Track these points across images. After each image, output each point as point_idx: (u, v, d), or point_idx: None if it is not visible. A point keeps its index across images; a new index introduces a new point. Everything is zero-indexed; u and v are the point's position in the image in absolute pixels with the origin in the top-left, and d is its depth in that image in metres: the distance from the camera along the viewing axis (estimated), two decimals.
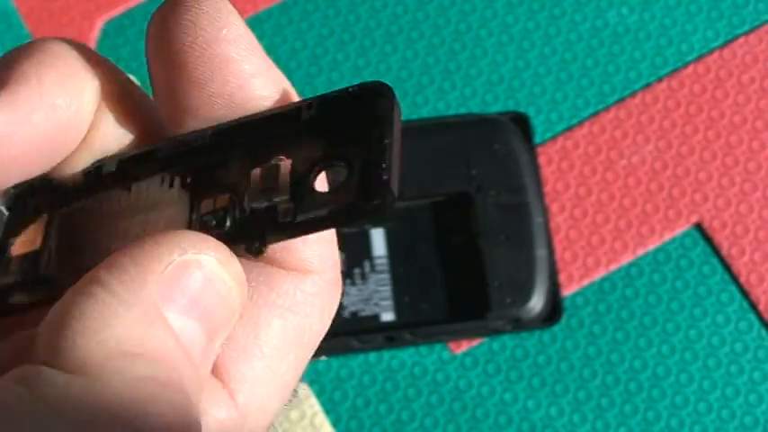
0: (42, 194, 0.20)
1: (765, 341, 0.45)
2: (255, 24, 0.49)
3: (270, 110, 0.20)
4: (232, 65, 0.19)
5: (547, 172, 0.47)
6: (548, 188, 0.47)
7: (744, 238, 0.46)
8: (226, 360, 0.19)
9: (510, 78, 0.48)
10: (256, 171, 0.19)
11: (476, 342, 0.45)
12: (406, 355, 0.45)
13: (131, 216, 0.20)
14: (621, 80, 0.48)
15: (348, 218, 0.18)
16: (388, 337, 0.44)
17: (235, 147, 0.19)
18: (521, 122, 0.47)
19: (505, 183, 0.45)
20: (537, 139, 0.47)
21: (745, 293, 0.45)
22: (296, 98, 0.20)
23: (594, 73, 0.48)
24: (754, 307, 0.45)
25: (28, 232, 0.20)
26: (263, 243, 0.19)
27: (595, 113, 0.48)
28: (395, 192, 0.18)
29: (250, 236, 0.19)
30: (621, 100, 0.48)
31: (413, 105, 0.48)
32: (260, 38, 0.48)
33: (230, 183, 0.19)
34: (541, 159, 0.47)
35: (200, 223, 0.19)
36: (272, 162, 0.19)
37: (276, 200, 0.19)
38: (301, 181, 0.19)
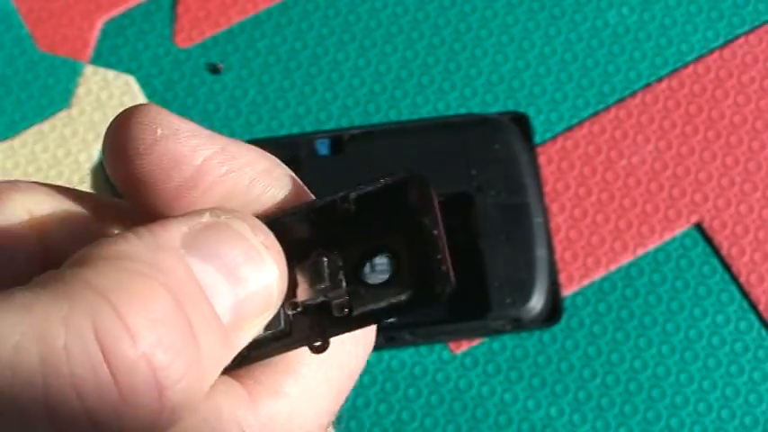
0: None
1: (765, 341, 0.45)
2: (255, 24, 0.49)
3: (303, 205, 0.19)
4: (181, 157, 0.19)
5: (547, 172, 0.47)
6: (548, 188, 0.47)
7: (744, 238, 0.46)
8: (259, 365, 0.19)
9: (510, 78, 0.48)
10: (303, 267, 0.19)
11: (476, 342, 0.45)
12: (406, 355, 0.45)
13: None
14: (621, 80, 0.48)
15: (410, 309, 0.19)
16: (388, 337, 0.44)
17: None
18: (521, 122, 0.47)
19: (505, 183, 0.45)
20: (537, 139, 0.47)
21: (745, 293, 0.45)
22: (242, 150, 0.19)
23: (594, 73, 0.48)
24: (754, 307, 0.45)
25: None
26: (326, 340, 0.19)
27: (595, 113, 0.48)
28: (453, 281, 0.19)
29: (309, 334, 0.19)
30: (621, 100, 0.48)
31: (413, 105, 0.48)
32: (260, 38, 0.49)
33: None
34: (541, 159, 0.47)
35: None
36: (315, 258, 0.19)
37: (331, 295, 0.19)
38: (351, 275, 0.19)
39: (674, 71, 0.48)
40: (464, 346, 0.45)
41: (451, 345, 0.45)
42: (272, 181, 0.19)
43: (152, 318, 0.16)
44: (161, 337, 0.16)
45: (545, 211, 0.46)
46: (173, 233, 0.17)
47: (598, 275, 0.46)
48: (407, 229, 0.19)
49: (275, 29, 0.49)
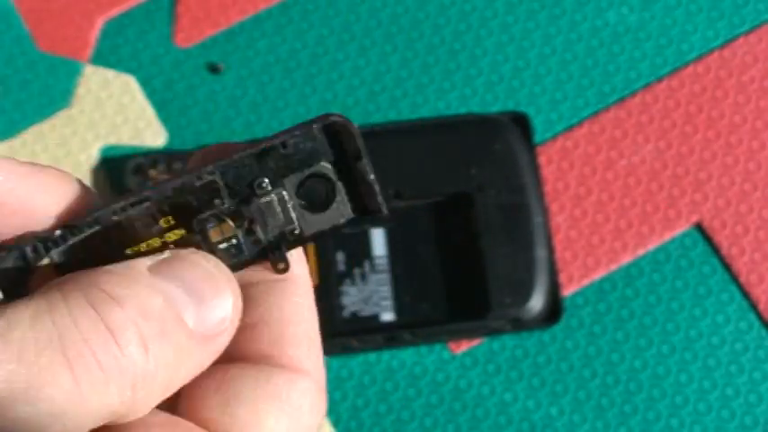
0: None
1: (765, 341, 0.45)
2: (255, 24, 0.49)
3: (248, 150, 0.23)
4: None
5: (547, 172, 0.47)
6: (548, 188, 0.47)
7: (744, 238, 0.46)
8: None
9: (510, 78, 0.48)
10: (256, 206, 0.23)
11: (476, 342, 0.45)
12: (406, 355, 0.45)
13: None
14: (621, 80, 0.48)
15: (349, 226, 0.23)
16: (388, 337, 0.44)
17: (219, 188, 0.22)
18: (521, 122, 0.47)
19: (505, 183, 0.45)
20: (537, 139, 0.47)
21: (745, 293, 0.45)
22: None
23: (594, 73, 0.48)
24: (754, 307, 0.45)
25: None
26: (286, 259, 0.23)
27: (595, 113, 0.48)
28: (384, 207, 0.23)
29: (272, 259, 0.23)
30: (621, 100, 0.48)
31: (413, 105, 0.48)
32: (260, 38, 0.49)
33: (230, 214, 0.23)
34: (541, 159, 0.47)
35: (216, 251, 0.22)
36: (264, 198, 0.23)
37: (286, 228, 0.23)
38: (296, 206, 0.23)
39: (674, 71, 0.48)
40: (464, 346, 0.45)
41: (451, 345, 0.45)
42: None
43: (133, 303, 0.19)
44: (142, 309, 0.19)
45: (545, 211, 0.46)
46: (140, 264, 0.20)
47: (598, 275, 0.46)
48: (340, 161, 0.23)
49: (275, 29, 0.49)
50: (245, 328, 0.22)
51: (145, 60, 0.49)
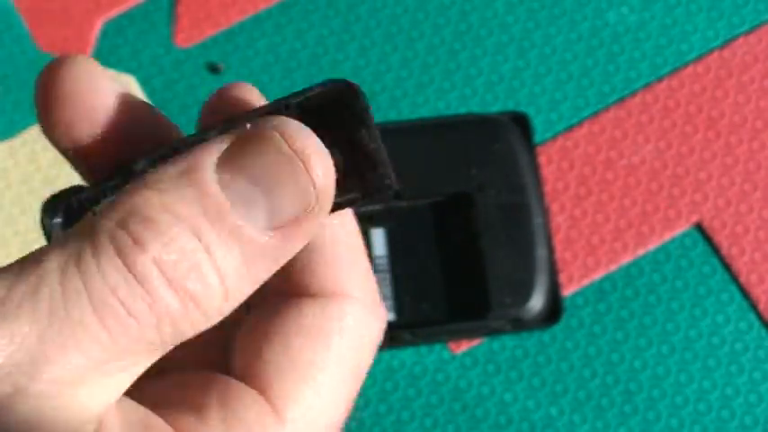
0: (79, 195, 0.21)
1: (765, 341, 0.45)
2: (255, 24, 0.49)
3: (251, 112, 0.21)
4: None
5: (547, 172, 0.47)
6: (548, 188, 0.47)
7: (744, 238, 0.46)
8: (279, 377, 0.21)
9: (510, 78, 0.48)
10: None
11: (476, 342, 0.45)
12: (406, 355, 0.45)
13: None
14: (621, 80, 0.48)
15: (360, 204, 0.21)
16: (388, 337, 0.44)
17: None
18: (521, 122, 0.47)
19: (505, 183, 0.45)
20: (537, 139, 0.47)
21: (745, 293, 0.45)
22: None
23: (594, 73, 0.48)
24: (754, 307, 0.45)
25: None
26: None
27: (595, 113, 0.48)
28: (395, 185, 0.21)
29: None
30: (621, 100, 0.48)
31: (413, 105, 0.48)
32: (260, 38, 0.49)
33: None
34: (541, 159, 0.47)
35: None
36: None
37: None
38: None
39: (674, 71, 0.48)
40: (464, 346, 0.45)
41: (451, 345, 0.45)
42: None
43: (160, 232, 0.19)
44: (167, 245, 0.18)
45: (545, 211, 0.46)
46: (207, 153, 0.19)
47: (598, 275, 0.46)
48: (350, 133, 0.21)
49: (275, 29, 0.49)
50: (294, 262, 0.21)
51: (145, 60, 0.49)
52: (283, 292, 0.22)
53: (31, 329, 0.17)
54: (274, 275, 0.20)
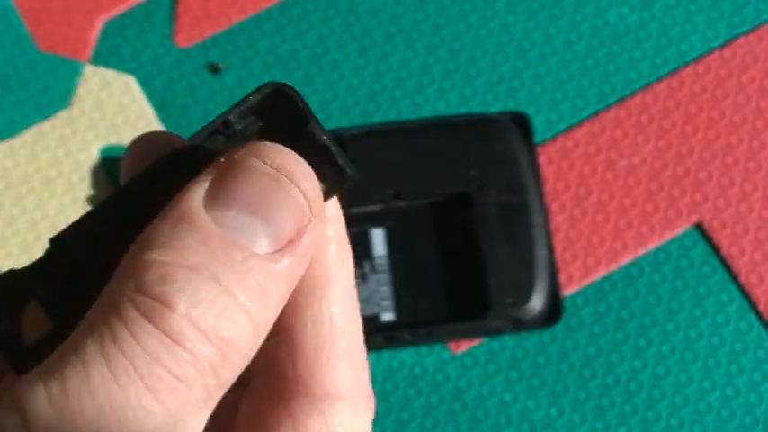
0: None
1: (765, 341, 0.45)
2: (255, 24, 0.49)
3: (194, 137, 0.22)
4: None
5: (547, 172, 0.47)
6: (548, 188, 0.47)
7: (744, 238, 0.46)
8: None
9: (510, 78, 0.48)
10: None
11: (476, 342, 0.45)
12: (406, 355, 0.45)
13: None
14: (621, 80, 0.48)
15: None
16: (388, 337, 0.44)
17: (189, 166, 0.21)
18: (521, 122, 0.47)
19: (505, 183, 0.45)
20: (537, 139, 0.47)
21: (745, 293, 0.45)
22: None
23: (594, 73, 0.48)
24: (754, 307, 0.45)
25: None
26: None
27: (595, 113, 0.48)
28: (351, 173, 0.21)
29: None
30: (621, 100, 0.48)
31: (413, 105, 0.48)
32: (260, 38, 0.49)
33: None
34: (541, 159, 0.47)
35: None
36: None
37: None
38: None
39: (674, 71, 0.48)
40: (464, 346, 0.45)
41: (451, 345, 0.45)
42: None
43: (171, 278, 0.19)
44: (192, 297, 0.18)
45: (545, 211, 0.46)
46: (192, 196, 0.19)
47: (598, 275, 0.46)
48: (299, 132, 0.21)
49: (275, 29, 0.49)
50: (280, 344, 0.22)
51: (145, 60, 0.49)
52: (273, 385, 0.22)
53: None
54: (268, 373, 0.21)
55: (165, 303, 0.18)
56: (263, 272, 0.19)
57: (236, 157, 0.20)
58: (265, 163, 0.20)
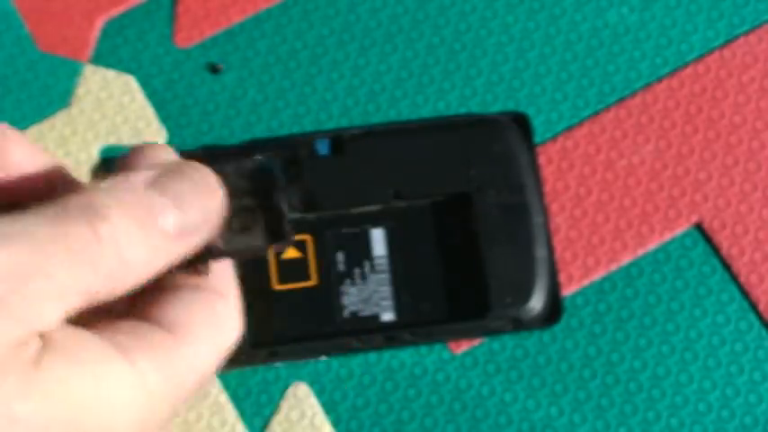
0: None
1: (765, 341, 0.45)
2: (255, 24, 0.49)
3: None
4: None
5: (547, 172, 0.47)
6: (548, 188, 0.47)
7: (744, 238, 0.46)
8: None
9: (510, 78, 0.48)
10: None
11: (476, 342, 0.45)
12: (406, 355, 0.45)
13: None
14: (621, 80, 0.48)
15: (258, 253, 0.30)
16: (388, 337, 0.44)
17: None
18: (521, 122, 0.47)
19: (505, 183, 0.45)
20: (537, 139, 0.47)
21: (745, 293, 0.45)
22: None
23: (594, 73, 0.48)
24: (754, 307, 0.45)
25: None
26: (205, 263, 0.30)
27: (595, 113, 0.48)
28: (291, 238, 0.30)
29: (196, 262, 0.29)
30: (621, 100, 0.48)
31: (413, 105, 0.48)
32: (260, 38, 0.49)
33: None
34: (541, 159, 0.47)
35: None
36: None
37: (211, 244, 0.29)
38: (227, 227, 0.30)
39: (674, 71, 0.48)
40: (464, 346, 0.45)
41: (451, 345, 0.45)
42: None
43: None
44: (126, 217, 0.26)
45: (545, 211, 0.46)
46: (139, 176, 0.27)
47: (598, 275, 0.46)
48: (263, 197, 0.30)
49: (275, 29, 0.49)
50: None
51: (145, 60, 0.49)
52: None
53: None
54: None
55: (105, 214, 0.26)
56: (159, 233, 0.27)
57: (181, 163, 0.29)
58: (198, 174, 0.28)
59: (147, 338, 0.27)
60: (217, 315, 0.29)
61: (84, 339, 0.26)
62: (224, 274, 0.30)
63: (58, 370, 0.24)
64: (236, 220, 0.30)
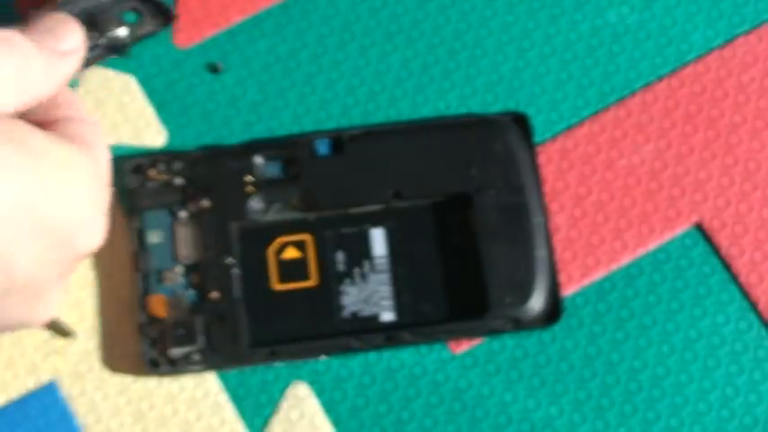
0: None
1: (765, 341, 0.45)
2: (255, 24, 0.49)
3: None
4: None
5: (547, 172, 0.47)
6: (548, 188, 0.47)
7: (744, 238, 0.46)
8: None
9: (510, 78, 0.48)
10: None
11: (476, 342, 0.45)
12: (406, 354, 0.45)
13: None
14: (621, 80, 0.48)
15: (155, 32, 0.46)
16: (388, 336, 0.44)
17: None
18: (521, 122, 0.47)
19: (505, 183, 0.45)
20: (537, 139, 0.47)
21: (745, 293, 0.45)
22: None
23: (594, 73, 0.48)
24: (754, 307, 0.45)
25: None
26: (124, 53, 0.45)
27: (595, 113, 0.48)
28: (174, 13, 0.43)
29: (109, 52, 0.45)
30: (621, 100, 0.48)
31: (413, 105, 0.48)
32: (260, 38, 0.49)
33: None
34: (541, 159, 0.47)
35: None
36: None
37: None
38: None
39: (674, 71, 0.48)
40: (464, 346, 0.45)
41: (451, 345, 0.45)
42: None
43: None
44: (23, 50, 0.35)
45: (545, 211, 0.46)
46: (39, 25, 0.38)
47: (598, 275, 0.46)
48: None
49: (275, 29, 0.49)
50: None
51: (145, 60, 0.49)
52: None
53: None
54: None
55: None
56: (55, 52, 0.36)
57: (53, 15, 0.37)
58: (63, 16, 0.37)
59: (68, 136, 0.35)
60: (98, 133, 0.36)
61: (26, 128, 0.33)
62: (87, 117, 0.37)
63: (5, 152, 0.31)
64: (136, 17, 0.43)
